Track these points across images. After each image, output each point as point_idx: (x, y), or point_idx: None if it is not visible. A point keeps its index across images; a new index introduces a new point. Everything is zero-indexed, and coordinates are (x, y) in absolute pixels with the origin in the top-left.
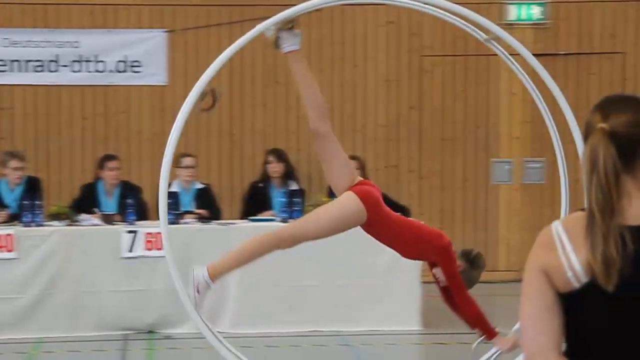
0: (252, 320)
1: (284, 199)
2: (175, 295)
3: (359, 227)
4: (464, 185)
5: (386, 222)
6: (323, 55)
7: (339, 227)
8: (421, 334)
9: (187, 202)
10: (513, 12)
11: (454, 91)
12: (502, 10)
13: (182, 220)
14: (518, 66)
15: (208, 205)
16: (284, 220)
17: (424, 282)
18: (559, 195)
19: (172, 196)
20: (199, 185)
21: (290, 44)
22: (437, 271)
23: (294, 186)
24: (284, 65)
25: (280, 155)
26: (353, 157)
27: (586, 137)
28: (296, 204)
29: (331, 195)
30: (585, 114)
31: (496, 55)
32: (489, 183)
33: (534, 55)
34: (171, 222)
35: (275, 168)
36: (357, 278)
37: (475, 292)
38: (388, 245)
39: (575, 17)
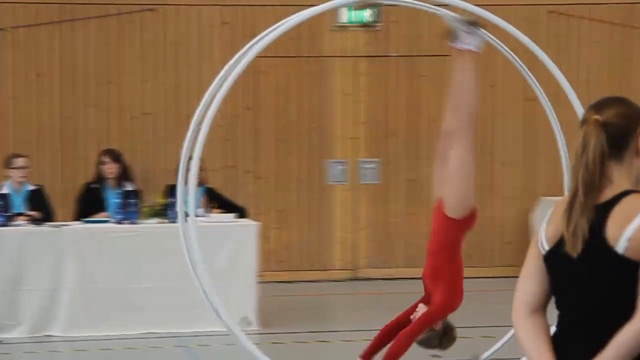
0: (86, 323)
1: (118, 200)
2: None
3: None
4: (299, 185)
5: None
6: (157, 55)
7: None
8: (258, 333)
9: (19, 204)
10: (345, 15)
11: (289, 92)
12: (334, 12)
13: (13, 223)
14: (517, 58)
15: (41, 207)
16: (119, 222)
17: (261, 283)
18: (394, 194)
19: (3, 198)
20: (31, 187)
21: (472, 43)
22: (422, 308)
23: (129, 187)
24: (118, 65)
25: (115, 155)
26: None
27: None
28: (131, 205)
29: (170, 196)
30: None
31: (330, 56)
32: (324, 183)
33: (367, 57)
34: (2, 225)
35: (111, 169)
36: (193, 280)
37: (311, 290)
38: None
39: (405, 20)
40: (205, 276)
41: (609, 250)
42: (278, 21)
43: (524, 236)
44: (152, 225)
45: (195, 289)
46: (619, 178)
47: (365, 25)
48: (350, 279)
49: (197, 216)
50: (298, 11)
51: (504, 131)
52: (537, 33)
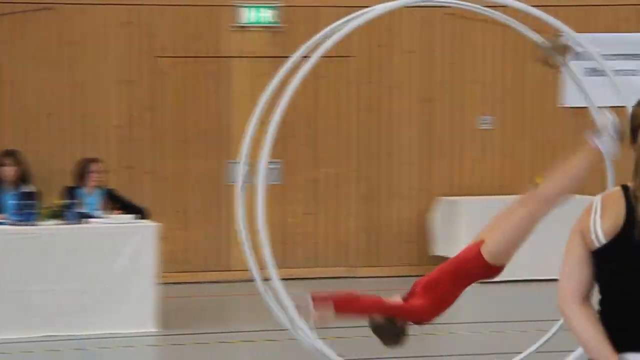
0: None
1: (16, 202)
2: None
3: None
4: (199, 186)
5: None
6: (55, 54)
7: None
8: (158, 335)
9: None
10: (245, 15)
11: (189, 92)
12: (234, 12)
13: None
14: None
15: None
16: (16, 224)
17: (161, 284)
18: (294, 195)
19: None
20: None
21: (607, 147)
22: (396, 297)
23: (26, 188)
24: (13, 64)
25: (15, 157)
26: (93, 160)
27: (635, 129)
28: (29, 207)
29: (68, 197)
30: (317, 115)
31: (230, 57)
32: (224, 184)
33: (267, 57)
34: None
35: (10, 171)
36: (92, 282)
37: (211, 291)
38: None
39: (305, 21)
40: (275, 274)
41: None
42: (177, 21)
43: (422, 236)
44: (50, 226)
45: (93, 290)
46: None
47: (265, 25)
48: (251, 280)
49: (96, 218)
50: (201, 11)
51: (402, 132)
52: (433, 35)
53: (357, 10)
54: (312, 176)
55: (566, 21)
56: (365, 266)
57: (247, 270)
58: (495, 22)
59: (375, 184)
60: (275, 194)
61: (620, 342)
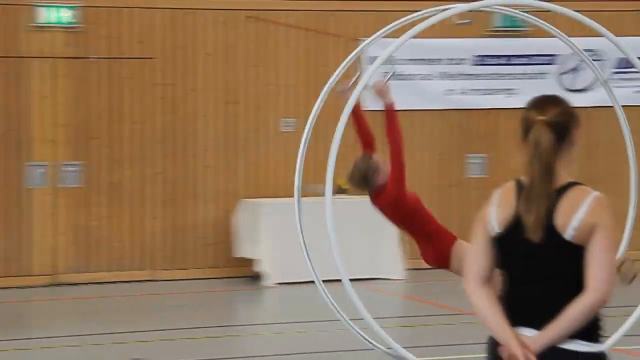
0: None
1: None
2: None
3: None
4: None
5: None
6: None
7: None
8: None
9: None
10: (43, 15)
11: None
12: (32, 12)
13: None
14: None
15: None
16: None
17: None
18: (96, 197)
19: None
20: None
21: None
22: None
23: None
24: None
25: None
26: None
27: (527, 129)
28: None
29: None
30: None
31: (27, 57)
32: (23, 187)
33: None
34: None
35: None
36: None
37: (9, 297)
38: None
39: (105, 22)
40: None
41: (558, 236)
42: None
43: (226, 237)
44: None
45: None
46: (561, 169)
47: (64, 26)
48: (51, 285)
49: None
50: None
51: (205, 134)
52: (236, 37)
53: (164, 11)
54: (115, 178)
55: (357, 27)
56: (169, 269)
57: (46, 275)
58: (296, 26)
59: (179, 186)
60: (78, 197)
61: (513, 318)
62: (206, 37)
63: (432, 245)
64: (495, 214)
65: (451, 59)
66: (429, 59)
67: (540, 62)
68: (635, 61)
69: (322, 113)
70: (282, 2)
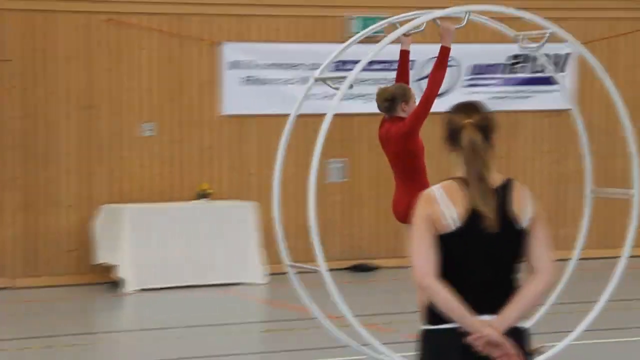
0: None
1: None
2: None
3: None
4: None
5: None
6: None
7: None
8: None
9: None
10: None
11: None
12: None
13: None
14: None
15: None
16: None
17: None
18: None
19: None
20: None
21: None
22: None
23: None
24: None
25: None
26: None
27: (455, 131)
28: None
29: None
30: None
31: None
32: None
33: None
34: None
35: None
36: None
37: None
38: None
39: None
40: None
41: (515, 226)
42: None
43: (87, 243)
44: None
45: None
46: (493, 166)
47: None
48: None
49: None
50: None
51: (65, 138)
52: (94, 40)
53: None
54: None
55: (219, 31)
56: (25, 277)
57: None
58: (156, 29)
59: (35, 192)
60: None
61: (474, 306)
62: (65, 40)
63: (410, 195)
64: (451, 211)
65: (312, 64)
66: (291, 64)
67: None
68: (601, 73)
69: (177, 118)
70: (142, 5)
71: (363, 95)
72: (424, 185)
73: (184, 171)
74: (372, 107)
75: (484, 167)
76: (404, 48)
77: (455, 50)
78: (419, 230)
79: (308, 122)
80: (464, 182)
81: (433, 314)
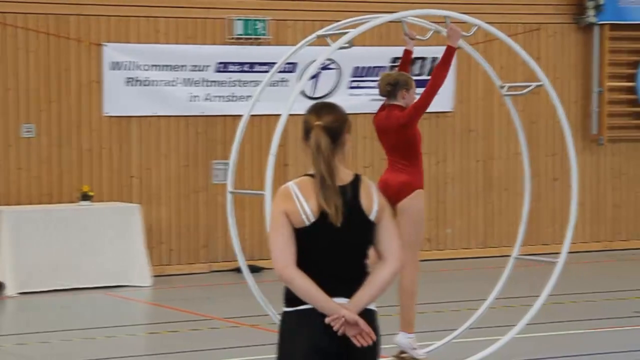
0: None
1: None
2: None
3: None
4: None
5: None
6: None
7: None
8: None
9: None
10: None
11: None
12: None
13: None
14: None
15: None
16: None
17: None
18: None
19: None
20: None
21: None
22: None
23: None
24: None
25: None
26: None
27: (307, 131)
28: None
29: None
30: None
31: None
32: None
33: None
34: None
35: None
36: None
37: None
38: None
39: None
40: None
41: (365, 217)
42: None
43: None
44: None
45: None
46: (341, 164)
47: None
48: None
49: None
50: None
51: None
52: None
53: None
54: None
55: (99, 32)
56: None
57: None
58: (35, 30)
59: None
60: None
61: (330, 291)
62: None
63: (399, 179)
64: (307, 205)
65: (194, 66)
66: (173, 65)
67: (281, 70)
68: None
69: (57, 119)
70: (20, 5)
71: (248, 97)
72: (419, 172)
73: (64, 173)
74: (257, 109)
75: (328, 167)
76: (407, 48)
77: (337, 52)
78: (278, 224)
79: (190, 123)
80: (315, 178)
81: (291, 297)
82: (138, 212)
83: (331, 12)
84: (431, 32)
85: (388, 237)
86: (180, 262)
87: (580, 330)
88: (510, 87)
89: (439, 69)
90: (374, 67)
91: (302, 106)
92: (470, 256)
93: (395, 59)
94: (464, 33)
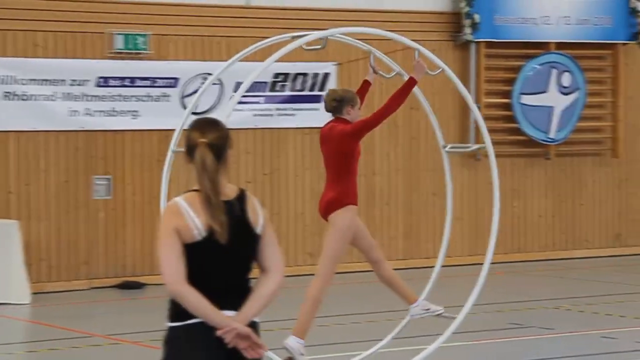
0: None
1: None
2: None
3: None
4: None
5: None
6: None
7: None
8: None
9: None
10: None
11: None
12: None
13: None
14: None
15: None
16: None
17: None
18: None
19: None
20: None
21: None
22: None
23: None
24: None
25: None
26: None
27: (191, 148)
28: None
29: None
30: None
31: None
32: None
33: None
34: None
35: None
36: None
37: None
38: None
39: None
40: None
41: (252, 231)
42: None
43: None
44: None
45: None
46: (225, 180)
47: None
48: None
49: None
50: None
51: None
52: None
53: None
54: None
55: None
56: None
57: None
58: None
59: None
60: None
61: (219, 304)
62: None
63: (334, 192)
64: (197, 222)
65: (74, 80)
66: (52, 80)
67: (163, 85)
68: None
69: None
70: None
71: (130, 112)
72: (351, 187)
73: None
74: (140, 124)
75: (213, 185)
76: (367, 79)
77: (219, 68)
78: (168, 240)
79: (70, 138)
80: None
81: (179, 311)
82: (16, 228)
83: (214, 28)
84: (394, 73)
85: (271, 250)
86: (60, 279)
87: (458, 343)
88: (452, 147)
89: (398, 96)
90: (257, 82)
91: (177, 122)
92: (350, 270)
93: (277, 75)
94: (429, 71)
